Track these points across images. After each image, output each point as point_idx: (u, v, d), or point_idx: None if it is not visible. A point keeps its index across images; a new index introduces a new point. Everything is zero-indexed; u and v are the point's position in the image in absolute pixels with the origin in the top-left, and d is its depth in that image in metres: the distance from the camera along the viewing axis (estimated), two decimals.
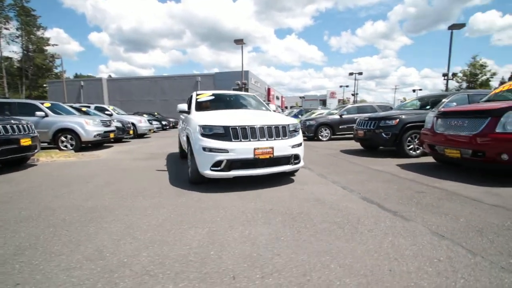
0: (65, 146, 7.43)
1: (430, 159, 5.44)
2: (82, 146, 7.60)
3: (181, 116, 5.43)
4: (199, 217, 2.53)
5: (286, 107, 45.33)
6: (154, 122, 14.93)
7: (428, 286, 1.47)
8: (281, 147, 3.45)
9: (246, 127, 3.35)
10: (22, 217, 2.56)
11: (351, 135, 11.42)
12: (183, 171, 4.78)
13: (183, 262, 1.74)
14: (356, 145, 7.98)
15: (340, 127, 11.02)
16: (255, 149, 3.28)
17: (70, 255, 1.83)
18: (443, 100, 6.24)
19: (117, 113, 12.56)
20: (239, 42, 22.28)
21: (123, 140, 11.17)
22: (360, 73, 37.61)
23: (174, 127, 23.00)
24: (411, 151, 5.93)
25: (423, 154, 5.90)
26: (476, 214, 2.50)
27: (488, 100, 4.75)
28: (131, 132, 11.06)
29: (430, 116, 4.79)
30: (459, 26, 19.07)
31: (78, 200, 3.07)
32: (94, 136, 7.65)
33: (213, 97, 4.90)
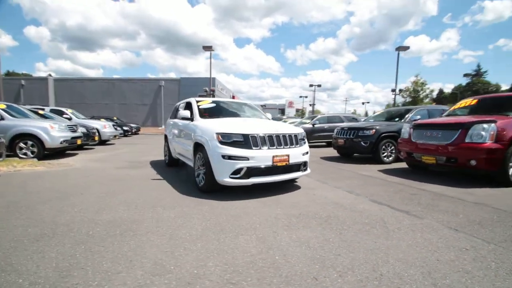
0: (25, 154, 6.48)
1: (400, 165, 6.19)
2: (45, 153, 6.71)
3: (177, 122, 5.24)
4: (237, 224, 2.54)
5: None
6: (117, 128, 13.82)
7: (472, 269, 1.77)
8: (295, 154, 3.63)
9: (265, 135, 3.46)
10: (34, 235, 2.24)
11: (323, 143, 12.28)
12: (181, 179, 4.62)
13: (256, 268, 1.76)
14: (331, 153, 8.60)
15: (313, 135, 11.71)
16: (273, 156, 3.40)
17: (129, 272, 1.71)
18: (408, 114, 7.18)
19: (76, 118, 11.36)
20: (208, 48, 22.16)
21: (85, 147, 10.09)
22: (319, 85, 40.40)
23: (136, 133, 21.56)
24: (385, 158, 6.66)
25: (395, 160, 6.69)
26: (467, 210, 3.00)
27: (448, 115, 5.66)
28: (96, 138, 10.10)
29: (406, 127, 5.49)
30: (404, 48, 21.99)
31: (88, 214, 2.78)
32: (61, 143, 6.84)
33: (214, 104, 4.87)
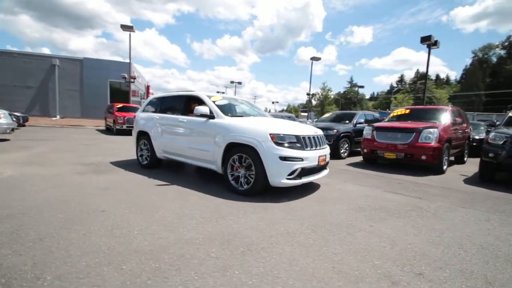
0: None
1: (354, 159, 7.55)
2: None
3: (176, 118, 4.56)
4: (331, 223, 2.67)
5: None
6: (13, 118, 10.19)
7: (510, 232, 2.63)
8: (328, 154, 3.98)
9: (311, 136, 3.63)
10: (139, 273, 1.69)
11: None
12: (194, 182, 4.13)
13: (413, 257, 2.03)
14: None
15: None
16: (319, 156, 3.63)
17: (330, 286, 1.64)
18: (354, 118, 8.74)
19: None
20: (128, 29, 19.15)
21: None
22: (239, 83, 41.62)
23: (23, 125, 16.38)
24: (342, 154, 7.92)
25: (348, 155, 8.05)
26: (446, 193, 4.14)
27: (389, 121, 7.31)
28: None
29: (367, 129, 6.74)
30: (317, 59, 25.70)
31: (156, 236, 2.25)
32: None
33: (227, 101, 4.54)
